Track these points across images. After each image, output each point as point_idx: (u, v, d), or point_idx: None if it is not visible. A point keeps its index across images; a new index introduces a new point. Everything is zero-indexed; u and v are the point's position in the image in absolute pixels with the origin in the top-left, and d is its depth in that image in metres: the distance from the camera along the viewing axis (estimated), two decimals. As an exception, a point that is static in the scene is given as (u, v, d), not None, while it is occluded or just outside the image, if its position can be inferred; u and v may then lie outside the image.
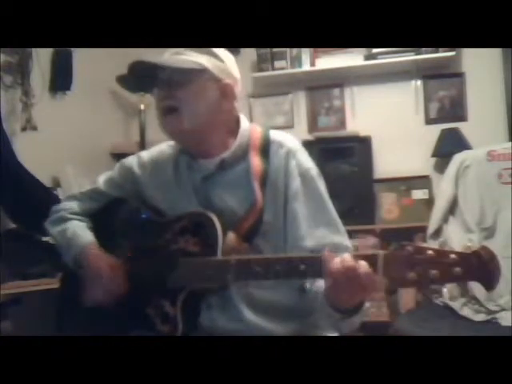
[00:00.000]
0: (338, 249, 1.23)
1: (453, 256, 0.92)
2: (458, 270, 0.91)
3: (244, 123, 1.36)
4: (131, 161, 1.45)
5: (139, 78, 1.36)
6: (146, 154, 1.45)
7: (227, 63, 1.32)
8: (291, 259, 1.10)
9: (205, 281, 1.20)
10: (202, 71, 1.28)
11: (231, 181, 1.31)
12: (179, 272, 1.22)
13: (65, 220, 1.45)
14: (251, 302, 1.26)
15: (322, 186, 1.33)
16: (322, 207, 1.30)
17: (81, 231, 1.41)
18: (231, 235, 1.23)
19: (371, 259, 1.00)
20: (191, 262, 1.22)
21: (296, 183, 1.29)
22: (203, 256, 1.21)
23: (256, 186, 1.28)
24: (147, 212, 1.39)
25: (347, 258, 1.02)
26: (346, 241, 1.30)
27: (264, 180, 1.29)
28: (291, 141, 1.35)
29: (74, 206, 1.47)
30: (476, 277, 0.91)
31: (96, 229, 1.44)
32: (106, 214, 1.45)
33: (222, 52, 1.33)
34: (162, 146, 1.44)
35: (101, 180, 1.48)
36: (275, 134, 1.35)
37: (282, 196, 1.29)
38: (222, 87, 1.30)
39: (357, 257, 1.01)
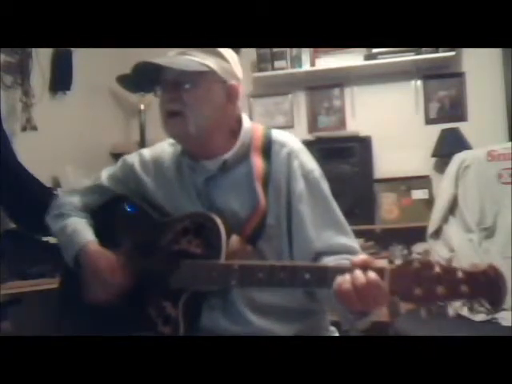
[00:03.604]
0: (345, 250, 1.24)
1: (460, 274, 0.92)
2: (465, 288, 0.91)
3: (246, 122, 1.35)
4: (133, 159, 1.44)
5: (142, 79, 1.34)
6: (147, 153, 1.43)
7: (232, 63, 1.31)
8: (296, 268, 1.08)
9: (207, 284, 1.19)
10: (208, 73, 1.26)
11: (233, 182, 1.30)
12: (181, 274, 1.21)
13: (65, 216, 1.43)
14: (253, 303, 1.25)
15: (326, 187, 1.32)
16: (327, 209, 1.29)
17: (81, 228, 1.39)
18: (235, 238, 1.22)
19: (378, 273, 0.98)
20: (194, 264, 1.21)
21: (300, 185, 1.28)
22: (206, 258, 1.20)
23: (258, 187, 1.26)
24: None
25: (358, 276, 0.99)
26: (352, 242, 1.28)
27: (266, 181, 1.27)
28: (293, 141, 1.33)
29: (74, 200, 1.45)
30: (483, 295, 0.91)
31: (96, 225, 1.42)
32: (107, 210, 1.44)
33: (226, 52, 1.31)
34: (164, 145, 1.43)
35: (103, 175, 1.46)
36: (277, 134, 1.34)
37: (284, 198, 1.28)
38: (227, 89, 1.29)
39: (364, 270, 1.00)
